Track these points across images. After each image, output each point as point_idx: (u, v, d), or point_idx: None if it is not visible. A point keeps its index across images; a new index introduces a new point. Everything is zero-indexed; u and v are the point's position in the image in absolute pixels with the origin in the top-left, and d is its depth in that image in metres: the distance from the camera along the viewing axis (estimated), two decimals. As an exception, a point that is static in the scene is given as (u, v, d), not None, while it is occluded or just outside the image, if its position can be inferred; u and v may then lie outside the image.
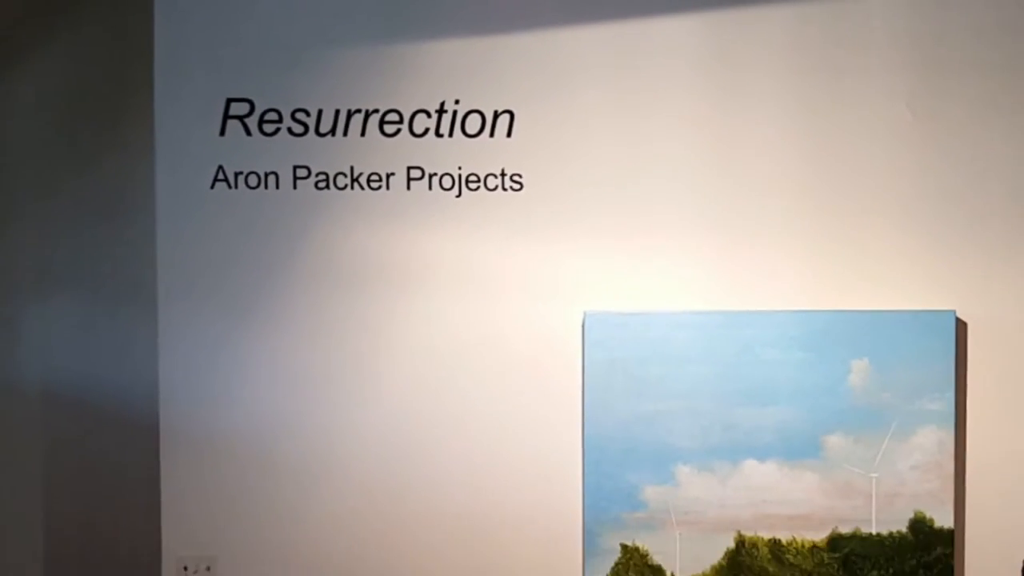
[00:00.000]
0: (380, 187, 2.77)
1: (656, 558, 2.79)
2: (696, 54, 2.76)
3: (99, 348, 3.23)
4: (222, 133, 2.76)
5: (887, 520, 2.78)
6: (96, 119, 3.24)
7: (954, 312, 2.75)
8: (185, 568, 2.78)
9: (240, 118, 2.75)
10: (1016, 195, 2.76)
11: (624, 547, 2.79)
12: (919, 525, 2.78)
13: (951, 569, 2.76)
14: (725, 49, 2.76)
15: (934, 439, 2.77)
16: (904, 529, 2.78)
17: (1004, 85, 2.75)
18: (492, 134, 2.77)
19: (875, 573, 2.76)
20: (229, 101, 2.76)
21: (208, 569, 2.78)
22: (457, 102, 2.76)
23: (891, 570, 2.76)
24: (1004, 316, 2.77)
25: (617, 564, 2.78)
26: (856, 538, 2.78)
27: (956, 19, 2.74)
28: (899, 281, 2.76)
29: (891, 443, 2.78)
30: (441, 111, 2.76)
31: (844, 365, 2.76)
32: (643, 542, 2.79)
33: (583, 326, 2.75)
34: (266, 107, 2.75)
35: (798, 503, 2.79)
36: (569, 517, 2.79)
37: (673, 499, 2.79)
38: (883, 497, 2.78)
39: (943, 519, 2.77)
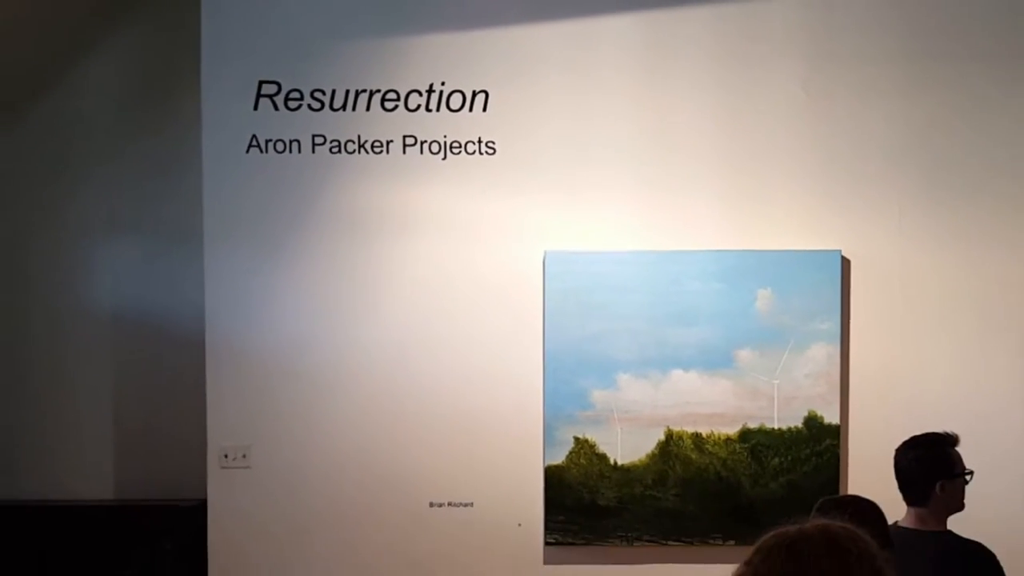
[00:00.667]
0: (381, 151, 3.42)
1: (602, 448, 3.43)
2: (634, 46, 3.42)
3: (157, 280, 3.84)
4: (255, 108, 3.40)
5: (786, 417, 3.43)
6: (154, 96, 3.85)
7: (840, 251, 3.41)
8: (225, 456, 3.42)
9: (269, 96, 3.40)
10: (890, 160, 3.43)
11: (576, 439, 3.43)
12: (812, 421, 3.44)
13: (837, 456, 3.42)
14: (658, 42, 3.43)
15: (824, 353, 3.42)
16: (800, 425, 3.43)
17: (882, 72, 3.43)
18: (471, 109, 3.42)
19: (776, 460, 3.43)
20: (261, 83, 3.40)
21: (244, 456, 3.43)
22: (443, 84, 3.41)
23: (789, 457, 3.42)
24: (879, 255, 3.43)
25: (571, 452, 3.43)
26: (761, 432, 3.44)
27: (842, 18, 3.43)
28: (796, 226, 3.42)
29: (789, 356, 3.43)
30: (430, 91, 3.41)
31: (751, 294, 3.41)
32: (591, 435, 3.43)
33: (543, 263, 3.40)
34: (290, 87, 3.40)
35: (715, 404, 3.43)
36: (532, 415, 3.43)
37: (615, 401, 3.43)
38: (783, 399, 3.43)
39: (831, 416, 3.42)
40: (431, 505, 3.46)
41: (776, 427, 3.44)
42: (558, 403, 3.43)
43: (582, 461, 3.44)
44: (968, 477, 2.57)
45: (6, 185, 3.90)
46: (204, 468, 3.45)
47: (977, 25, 3.43)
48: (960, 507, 2.56)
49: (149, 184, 3.86)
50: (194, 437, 3.53)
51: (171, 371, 3.79)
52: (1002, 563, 2.51)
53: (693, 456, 3.45)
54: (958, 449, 2.57)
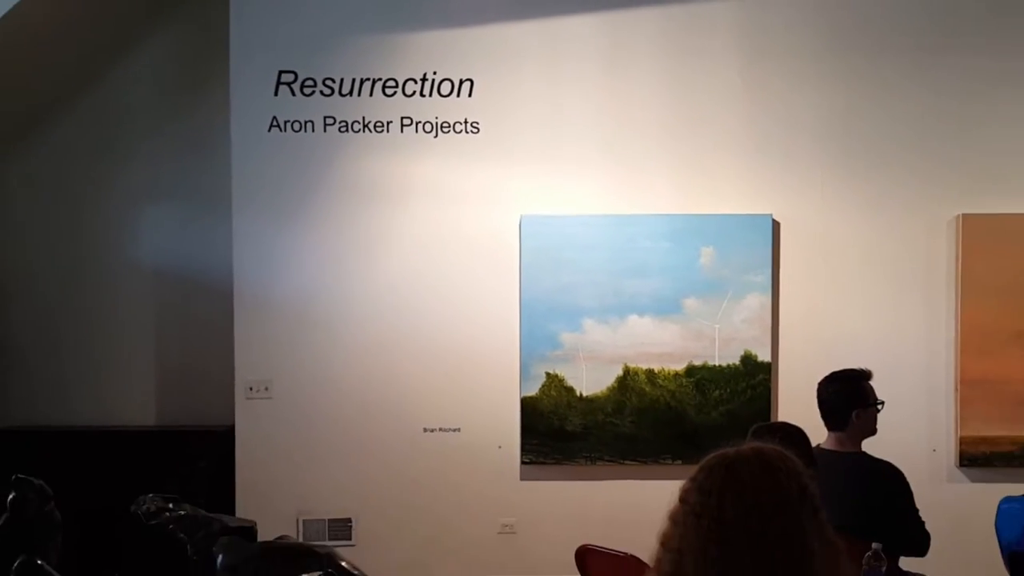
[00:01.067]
0: (383, 131, 3.84)
1: (569, 381, 3.84)
2: (598, 42, 3.84)
3: (192, 240, 4.24)
4: (275, 94, 3.82)
5: (726, 356, 3.85)
6: (190, 83, 4.25)
7: (771, 215, 3.84)
8: (250, 388, 3.84)
9: (288, 84, 3.82)
10: (814, 138, 3.85)
11: (548, 374, 3.84)
12: (748, 359, 3.84)
13: (769, 389, 3.84)
14: (617, 38, 3.84)
15: (757, 302, 3.84)
16: (737, 362, 3.84)
17: (807, 64, 3.85)
18: (459, 95, 3.83)
19: (717, 392, 3.84)
20: (280, 72, 3.82)
21: (266, 389, 3.84)
22: (435, 73, 3.83)
23: (728, 390, 3.83)
24: (805, 218, 3.86)
25: (543, 386, 3.84)
26: (705, 368, 3.85)
27: (774, 18, 3.85)
28: (734, 194, 3.85)
29: (728, 304, 3.84)
30: (424, 79, 3.83)
31: (696, 251, 3.82)
32: (560, 371, 3.84)
33: (520, 225, 3.82)
34: (305, 76, 3.82)
35: (665, 344, 3.84)
36: (510, 354, 3.85)
37: (581, 342, 3.84)
38: (723, 340, 3.84)
39: (764, 355, 3.84)
40: (425, 430, 3.86)
41: (717, 364, 3.84)
42: (532, 344, 3.83)
43: (552, 393, 3.84)
44: (879, 407, 2.83)
45: (66, 161, 4.29)
46: (232, 399, 3.85)
47: (886, 24, 3.85)
48: (873, 432, 2.83)
49: (185, 159, 4.24)
50: (223, 373, 3.91)
51: (203, 317, 4.18)
52: (907, 477, 2.80)
53: (647, 389, 3.85)
54: (871, 383, 2.83)
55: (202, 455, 3.93)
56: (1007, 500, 2.65)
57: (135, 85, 4.29)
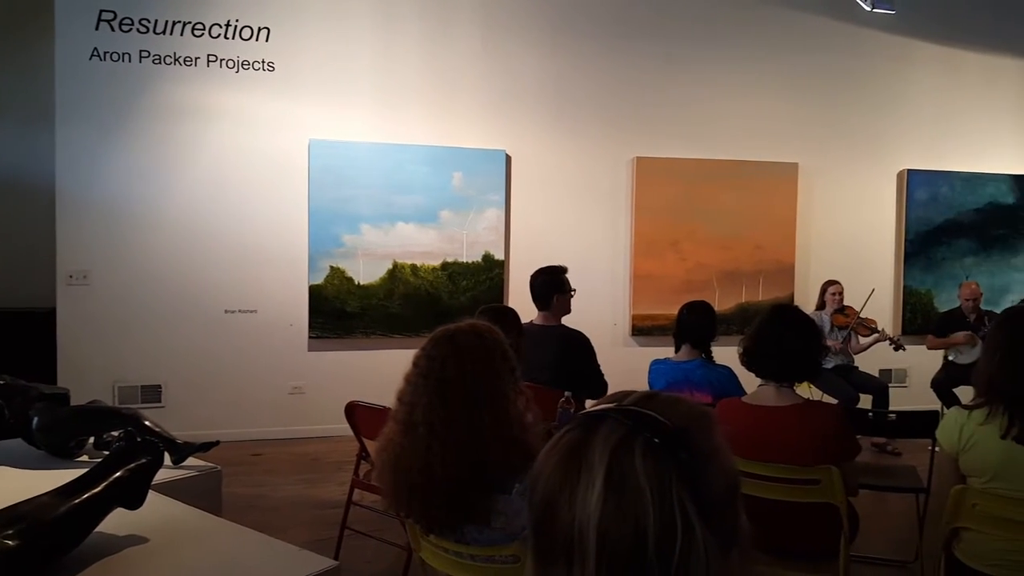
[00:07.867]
0: (191, 65, 4.14)
1: (349, 273, 4.33)
2: (373, 6, 4.32)
3: (15, 149, 4.32)
4: (96, 28, 4.01)
5: (471, 255, 4.50)
6: (14, 12, 4.32)
7: (505, 150, 4.55)
8: (70, 276, 3.98)
9: (108, 21, 4.03)
10: (538, 92, 4.55)
11: (332, 267, 4.31)
12: (487, 258, 4.52)
13: (502, 279, 4.53)
14: (386, 7, 4.36)
15: (495, 214, 4.53)
16: (479, 259, 4.51)
17: (532, 36, 4.55)
18: (257, 39, 4.22)
19: (464, 282, 4.50)
20: (101, 11, 4.01)
21: (84, 277, 3.99)
22: (237, 20, 4.19)
23: (473, 280, 4.50)
24: (528, 154, 4.59)
25: (327, 276, 4.31)
26: (455, 264, 4.48)
27: (510, 3, 4.56)
28: (479, 133, 4.50)
29: (473, 216, 4.49)
30: (228, 24, 4.17)
31: (449, 174, 4.46)
32: (342, 264, 4.32)
33: (309, 147, 4.25)
34: (123, 15, 4.05)
35: (426, 245, 4.44)
36: (300, 250, 4.27)
37: (360, 242, 4.34)
38: (469, 243, 4.49)
39: (499, 255, 4.53)
40: (226, 312, 4.19)
41: (465, 261, 4.47)
42: (318, 243, 4.27)
43: (335, 282, 4.31)
44: (573, 293, 3.10)
45: None
46: (54, 286, 3.97)
47: (588, 14, 4.64)
48: (568, 311, 3.10)
49: (20, 76, 4.28)
50: (45, 264, 4.00)
51: (26, 215, 4.23)
52: (595, 343, 3.16)
53: (411, 279, 4.42)
54: (567, 275, 3.09)
55: (24, 333, 3.97)
56: (655, 362, 2.78)
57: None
